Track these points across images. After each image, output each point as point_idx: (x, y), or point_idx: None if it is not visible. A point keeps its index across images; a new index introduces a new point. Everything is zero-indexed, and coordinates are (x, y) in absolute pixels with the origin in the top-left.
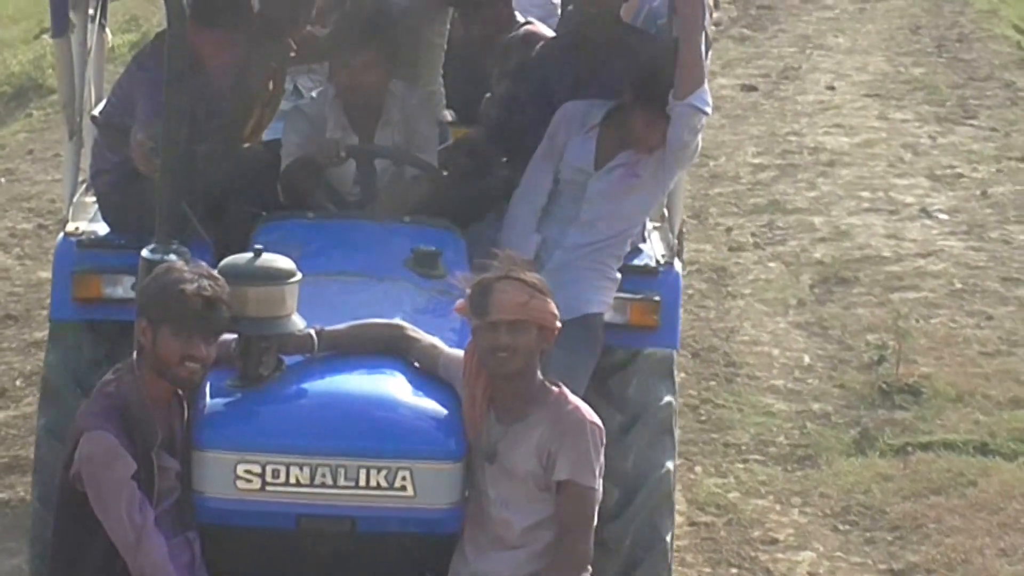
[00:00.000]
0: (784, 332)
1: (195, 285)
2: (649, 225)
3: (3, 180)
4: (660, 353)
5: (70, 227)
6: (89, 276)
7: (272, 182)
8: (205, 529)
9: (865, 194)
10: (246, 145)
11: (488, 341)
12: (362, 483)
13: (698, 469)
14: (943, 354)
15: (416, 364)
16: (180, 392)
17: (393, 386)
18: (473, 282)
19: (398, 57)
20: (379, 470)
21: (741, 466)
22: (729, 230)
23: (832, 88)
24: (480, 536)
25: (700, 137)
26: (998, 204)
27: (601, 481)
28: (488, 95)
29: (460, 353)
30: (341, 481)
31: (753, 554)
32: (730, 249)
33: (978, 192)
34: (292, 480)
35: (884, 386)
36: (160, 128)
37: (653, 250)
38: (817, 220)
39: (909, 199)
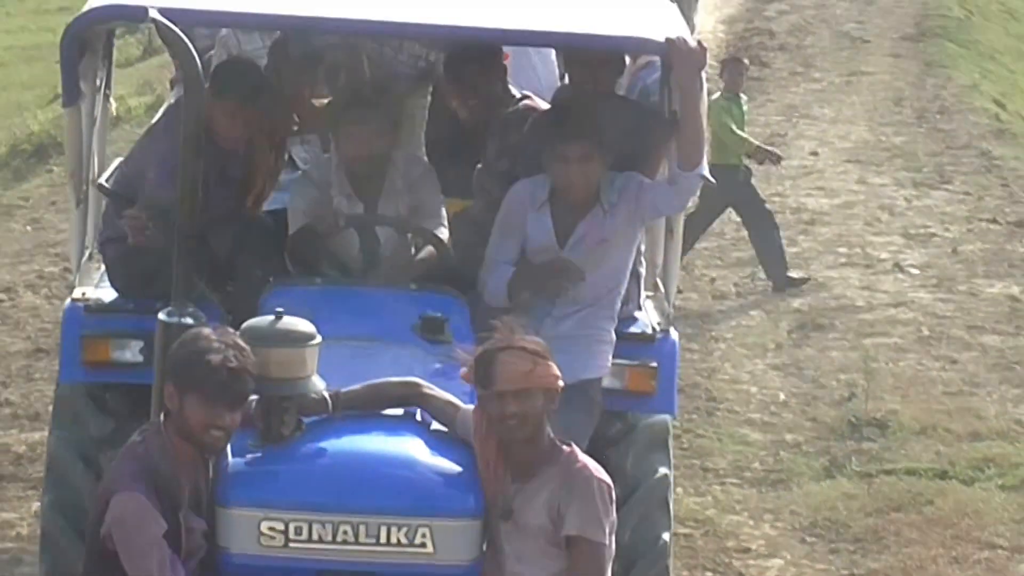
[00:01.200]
0: (762, 372)
1: (221, 356)
2: (644, 295)
3: (29, 228)
4: (656, 424)
5: (77, 292)
6: (98, 340)
7: (277, 249)
8: None
9: (842, 250)
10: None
11: (496, 410)
12: (383, 540)
13: (679, 490)
14: (909, 392)
15: (433, 421)
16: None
17: (412, 445)
18: (476, 353)
19: (399, 126)
20: (399, 527)
21: (719, 487)
22: (713, 280)
23: (815, 154)
24: None
25: None
26: (967, 260)
27: (612, 538)
28: (479, 166)
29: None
30: (362, 538)
31: (727, 560)
32: (713, 297)
33: (949, 249)
34: (314, 536)
35: (853, 419)
36: (160, 199)
37: (648, 318)
38: (796, 274)
39: (884, 255)
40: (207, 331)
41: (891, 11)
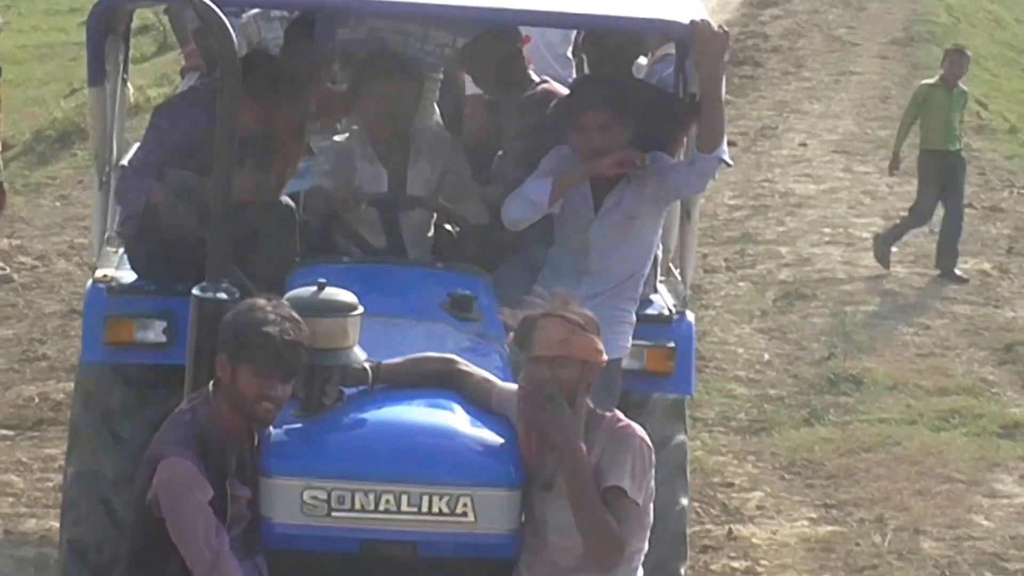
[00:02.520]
0: (748, 335)
1: (277, 328)
2: (659, 278)
3: (58, 204)
4: (674, 398)
5: (99, 274)
6: (121, 321)
7: (300, 230)
8: (272, 554)
9: (827, 230)
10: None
11: (533, 375)
12: (424, 509)
13: None
14: (884, 353)
15: (470, 397)
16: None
17: (452, 416)
18: (520, 318)
19: (421, 94)
20: (441, 497)
21: (706, 434)
22: (705, 256)
23: (804, 145)
24: (536, 562)
25: None
26: None
27: (650, 506)
28: (500, 152)
29: (512, 387)
30: (404, 507)
31: (712, 493)
32: (705, 271)
33: (926, 230)
34: (357, 506)
35: (831, 376)
36: (184, 179)
37: (664, 300)
38: (783, 250)
39: (865, 234)
40: (262, 302)
41: (881, 17)
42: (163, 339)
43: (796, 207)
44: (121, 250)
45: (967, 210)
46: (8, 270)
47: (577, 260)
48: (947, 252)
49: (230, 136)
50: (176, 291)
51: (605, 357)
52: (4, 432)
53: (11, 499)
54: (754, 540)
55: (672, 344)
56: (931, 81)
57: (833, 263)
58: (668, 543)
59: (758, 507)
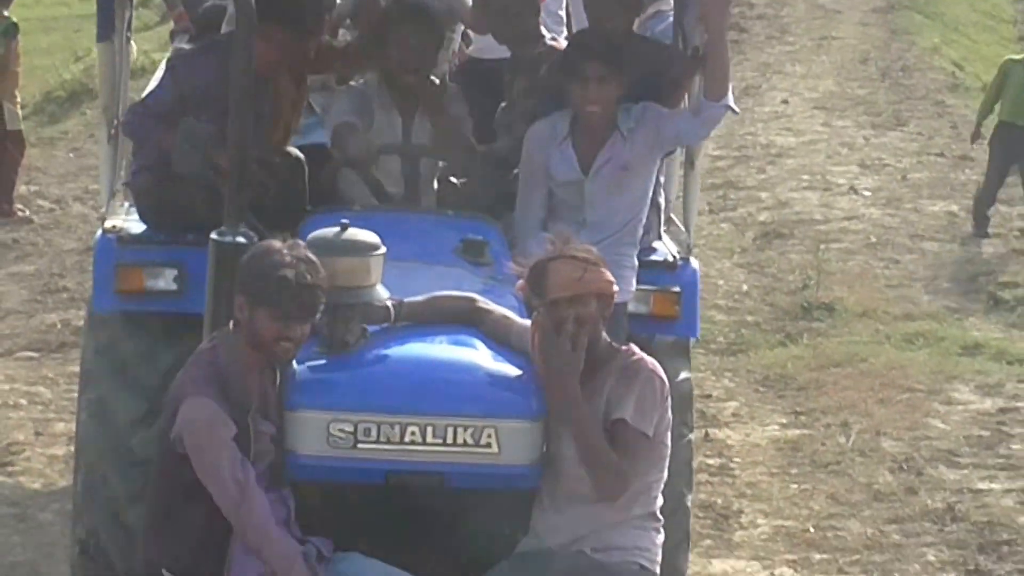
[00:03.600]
0: (729, 269)
1: (294, 271)
2: (663, 226)
3: (72, 155)
4: (678, 340)
5: (108, 224)
6: (132, 270)
7: (311, 180)
8: (297, 486)
9: (805, 177)
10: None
11: (553, 318)
12: (449, 441)
13: None
14: (855, 285)
15: (490, 333)
16: (266, 367)
17: (476, 352)
18: (528, 265)
19: (441, 45)
20: (466, 428)
21: None
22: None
23: (786, 102)
24: (557, 492)
25: None
26: (915, 185)
27: (667, 435)
28: (503, 105)
29: (530, 323)
30: (429, 439)
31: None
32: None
33: (899, 177)
34: (383, 438)
35: (805, 304)
36: (196, 128)
37: (668, 247)
38: (763, 195)
39: (841, 180)
40: (278, 244)
41: None
42: (174, 287)
43: (776, 157)
44: (128, 202)
45: (938, 158)
46: (28, 212)
47: (574, 214)
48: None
49: (246, 82)
50: (186, 240)
51: (617, 288)
52: (30, 354)
53: (40, 407)
54: (728, 442)
55: (677, 289)
56: (1018, 56)
57: (810, 206)
58: (675, 474)
59: (733, 415)
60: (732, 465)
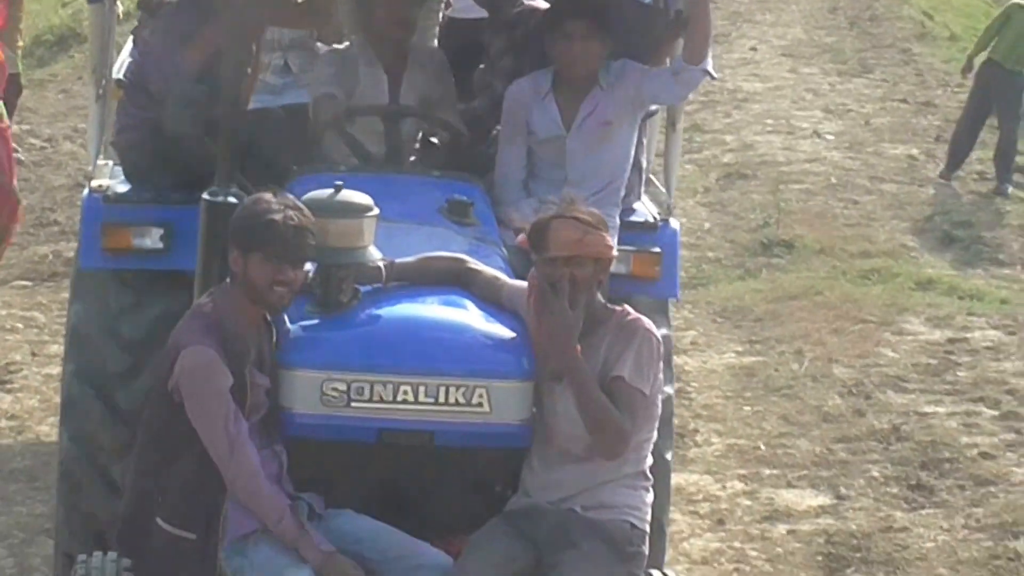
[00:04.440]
0: (692, 208)
1: (282, 215)
2: (644, 186)
3: (61, 96)
4: (659, 304)
5: (95, 183)
6: (118, 228)
7: (294, 140)
8: (291, 443)
9: (769, 121)
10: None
11: (547, 276)
12: (441, 400)
13: None
14: (814, 223)
15: (480, 293)
16: (268, 317)
17: (467, 312)
18: (533, 221)
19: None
20: (457, 388)
21: None
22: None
23: (754, 49)
24: (548, 451)
25: None
26: (877, 130)
27: (659, 398)
28: (482, 65)
29: (521, 283)
30: (422, 398)
31: None
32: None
33: (862, 122)
34: (376, 397)
35: (764, 241)
36: (187, 88)
37: (648, 208)
38: (727, 138)
39: (804, 125)
40: (267, 195)
41: None
42: (160, 246)
43: (743, 102)
44: (112, 162)
45: (901, 104)
46: (19, 151)
47: (554, 171)
48: (1003, 166)
49: (239, 42)
50: (173, 199)
51: (615, 253)
52: (24, 282)
53: (35, 330)
54: (686, 367)
55: (657, 249)
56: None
57: (773, 149)
58: (657, 432)
59: (692, 343)
60: (689, 389)
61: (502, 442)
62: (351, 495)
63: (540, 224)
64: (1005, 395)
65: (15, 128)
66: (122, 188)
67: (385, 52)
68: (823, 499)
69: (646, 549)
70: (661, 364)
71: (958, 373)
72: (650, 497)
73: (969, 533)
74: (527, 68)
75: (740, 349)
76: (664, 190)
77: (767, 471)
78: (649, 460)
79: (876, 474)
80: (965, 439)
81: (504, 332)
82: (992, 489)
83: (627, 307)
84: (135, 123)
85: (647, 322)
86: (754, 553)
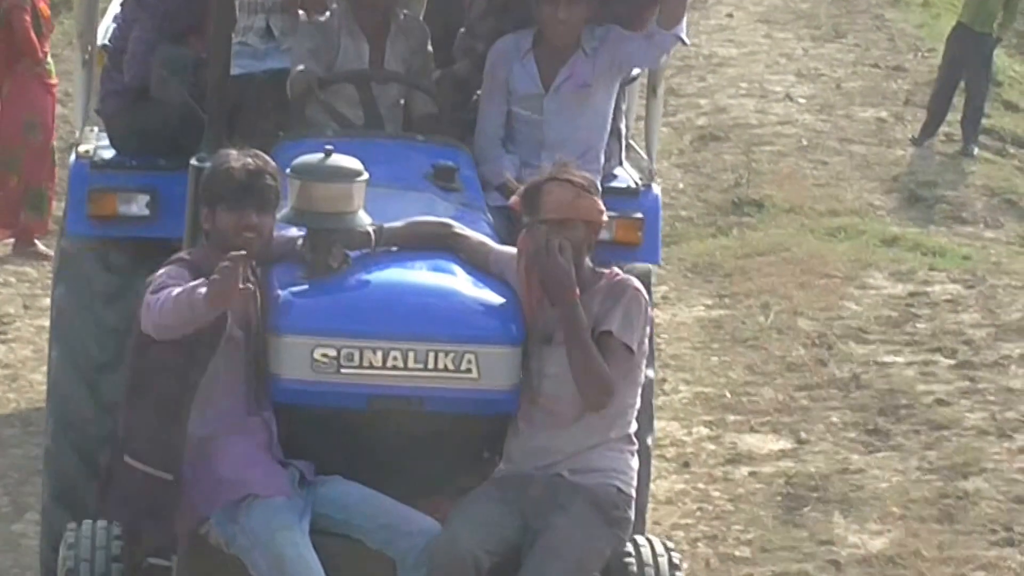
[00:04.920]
0: (666, 170)
1: (240, 162)
2: (623, 154)
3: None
4: (639, 268)
5: (82, 150)
6: (104, 194)
7: (277, 106)
8: (280, 410)
9: (744, 85)
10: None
11: (540, 236)
12: (430, 366)
13: None
14: (784, 183)
15: (468, 259)
16: (252, 280)
17: (456, 277)
18: (527, 182)
19: None
20: (447, 354)
21: None
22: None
23: (731, 16)
24: (535, 414)
25: None
26: (848, 94)
27: (644, 362)
28: (462, 29)
29: (508, 248)
30: (411, 364)
31: None
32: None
33: (834, 85)
34: (365, 363)
35: (736, 200)
36: (174, 55)
37: (630, 174)
38: (702, 101)
39: (777, 88)
40: (230, 151)
41: None
42: (146, 212)
43: (718, 67)
44: (98, 128)
45: (872, 69)
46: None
47: (533, 132)
48: (970, 129)
49: (227, 8)
50: (159, 165)
51: (606, 218)
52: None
53: (28, 284)
54: (657, 320)
55: (639, 215)
56: None
57: (746, 112)
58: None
59: (663, 297)
60: (658, 340)
61: (491, 408)
62: (339, 461)
63: (533, 186)
64: (962, 345)
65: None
66: (108, 154)
67: (368, 20)
68: (784, 443)
69: (632, 514)
70: (649, 327)
71: (917, 325)
72: (635, 462)
73: (922, 474)
74: (508, 30)
75: (709, 303)
76: (645, 156)
77: (732, 417)
78: (634, 425)
79: (835, 420)
80: (922, 387)
81: (493, 298)
82: (945, 433)
83: (615, 269)
84: (120, 89)
85: (636, 282)
86: (717, 494)
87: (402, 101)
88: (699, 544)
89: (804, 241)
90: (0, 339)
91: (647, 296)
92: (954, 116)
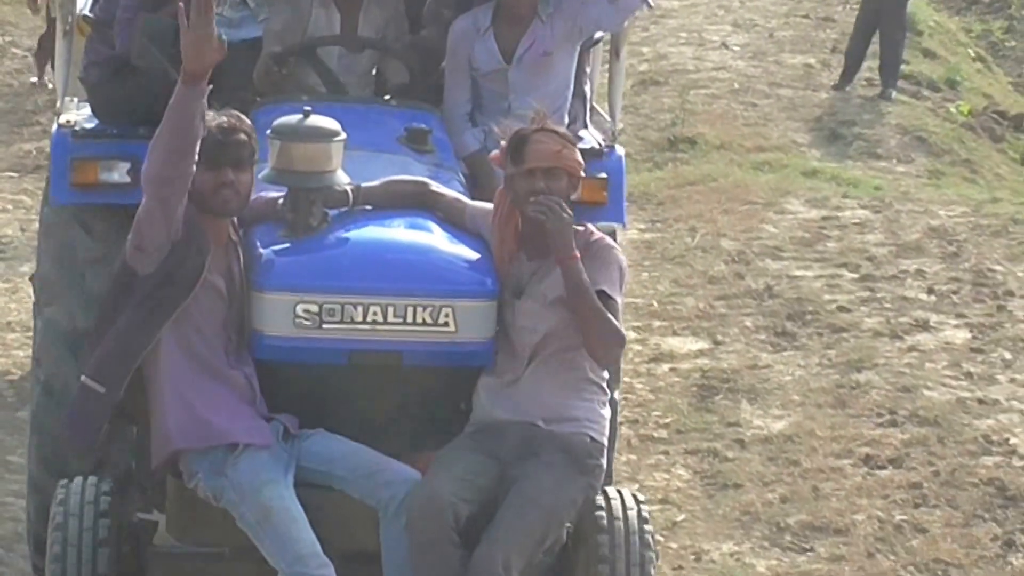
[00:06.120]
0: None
1: (215, 121)
2: (587, 116)
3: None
4: (604, 228)
5: (63, 119)
6: (87, 163)
7: (249, 74)
8: (263, 365)
9: (683, 34)
10: None
11: (524, 187)
12: (409, 320)
13: None
14: (716, 123)
15: (444, 216)
16: (235, 239)
17: (433, 234)
18: (510, 133)
19: None
20: (424, 307)
21: None
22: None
23: None
24: (508, 366)
25: None
26: (779, 42)
27: (621, 316)
28: None
29: (483, 205)
30: (390, 318)
31: None
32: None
33: (767, 35)
34: (346, 318)
35: (671, 138)
36: (154, 24)
37: (594, 136)
38: (644, 49)
39: (714, 37)
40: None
41: None
42: (127, 180)
43: (660, 17)
44: (79, 98)
45: (803, 19)
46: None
47: (498, 102)
48: (888, 72)
49: None
50: (139, 134)
51: (583, 173)
52: (11, 174)
53: (23, 211)
54: None
55: (604, 175)
56: None
57: (684, 59)
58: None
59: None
60: None
61: (467, 360)
62: (321, 416)
63: (520, 136)
64: (865, 261)
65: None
66: (90, 124)
67: None
68: (702, 344)
69: (604, 462)
70: (624, 279)
71: (827, 244)
72: (607, 411)
73: (821, 369)
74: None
75: (643, 227)
76: (608, 118)
77: (657, 323)
78: (605, 375)
79: (748, 324)
80: (827, 296)
81: (468, 253)
82: (844, 335)
83: (589, 226)
84: (102, 60)
85: (610, 240)
86: (640, 386)
87: (374, 71)
88: (622, 427)
89: (731, 173)
90: (0, 257)
91: (622, 256)
92: (875, 63)
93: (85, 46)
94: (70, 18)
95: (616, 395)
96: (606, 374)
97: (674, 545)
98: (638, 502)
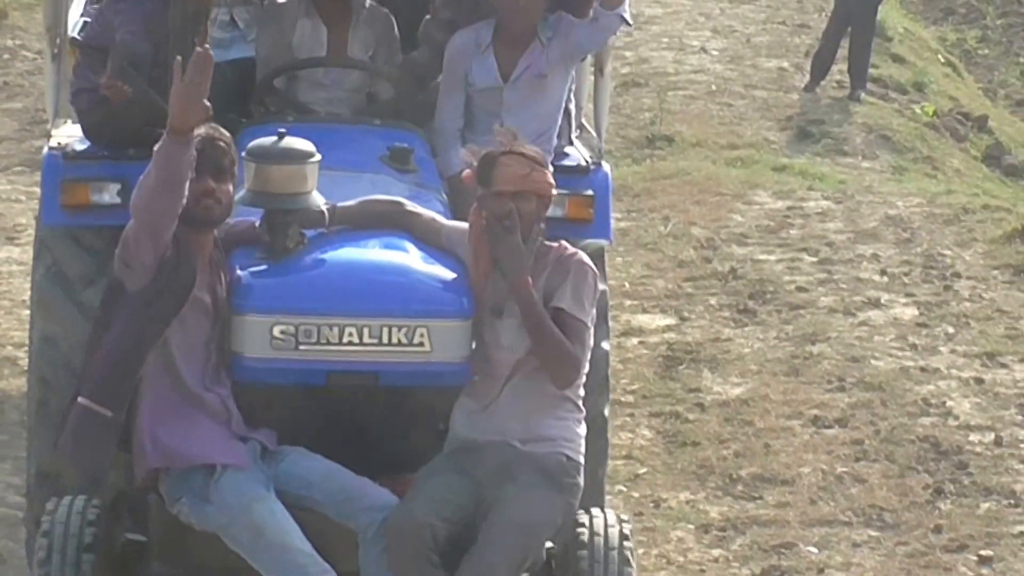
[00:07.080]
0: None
1: (199, 135)
2: (575, 131)
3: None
4: (593, 246)
5: (53, 141)
6: (77, 184)
7: (240, 96)
8: (241, 387)
9: (664, 40)
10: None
11: (494, 208)
12: (385, 340)
13: None
14: (693, 122)
15: (420, 236)
16: (216, 256)
17: (408, 254)
18: (479, 155)
19: None
20: (400, 328)
21: None
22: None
23: None
24: (484, 387)
25: None
26: (755, 47)
27: (590, 333)
28: (428, 17)
29: (459, 224)
30: (366, 339)
31: None
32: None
33: (744, 40)
34: (323, 339)
35: (650, 136)
36: (134, 48)
37: (580, 152)
38: (627, 53)
39: (694, 42)
40: None
41: None
42: (118, 201)
43: (643, 24)
44: (70, 120)
45: (780, 26)
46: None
47: (491, 120)
48: (857, 76)
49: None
50: (128, 156)
51: (555, 192)
52: (23, 168)
53: (35, 202)
54: None
55: (590, 192)
56: None
57: (665, 62)
58: (592, 387)
59: None
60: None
61: (443, 380)
62: (300, 437)
63: (488, 159)
64: (824, 247)
65: (8, 43)
66: (80, 146)
67: (326, 6)
68: (669, 320)
69: (582, 480)
70: (595, 296)
71: (791, 231)
72: (582, 429)
73: (778, 342)
74: (464, 20)
75: (618, 216)
76: (595, 134)
77: (628, 302)
78: (582, 392)
79: (713, 303)
80: (787, 278)
81: (444, 272)
82: (801, 312)
83: (564, 243)
84: (91, 86)
85: (583, 255)
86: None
87: (368, 89)
88: None
89: (704, 168)
90: (15, 243)
91: (594, 269)
92: (845, 65)
93: (74, 70)
94: (59, 40)
95: (606, 411)
96: (583, 391)
97: (636, 494)
98: (620, 521)
